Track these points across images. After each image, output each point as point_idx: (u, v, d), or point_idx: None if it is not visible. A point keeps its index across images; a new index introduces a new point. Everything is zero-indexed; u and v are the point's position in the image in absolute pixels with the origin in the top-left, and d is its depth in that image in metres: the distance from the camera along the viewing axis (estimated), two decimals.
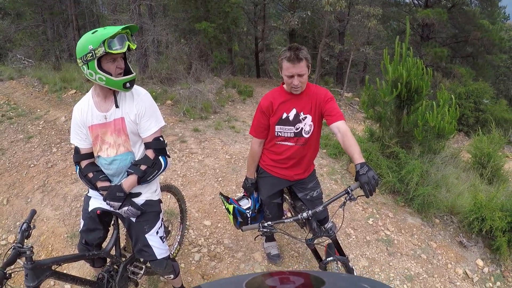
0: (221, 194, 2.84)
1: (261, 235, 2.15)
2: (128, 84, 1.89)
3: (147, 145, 2.07)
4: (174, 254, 3.02)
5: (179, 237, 3.12)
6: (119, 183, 2.05)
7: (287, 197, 3.10)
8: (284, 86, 2.46)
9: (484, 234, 3.87)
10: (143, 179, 2.04)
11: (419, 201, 4.08)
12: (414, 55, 4.37)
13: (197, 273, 3.03)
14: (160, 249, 2.23)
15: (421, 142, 4.35)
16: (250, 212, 2.71)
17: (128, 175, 2.06)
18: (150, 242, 2.19)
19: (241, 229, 2.18)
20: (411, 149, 4.40)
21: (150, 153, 2.07)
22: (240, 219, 2.68)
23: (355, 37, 12.72)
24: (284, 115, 2.42)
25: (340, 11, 10.61)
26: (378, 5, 13.32)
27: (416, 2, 18.00)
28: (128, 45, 1.83)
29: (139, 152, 2.10)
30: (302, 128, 2.45)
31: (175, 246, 3.07)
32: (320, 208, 2.15)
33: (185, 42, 9.88)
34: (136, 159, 2.08)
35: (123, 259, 2.39)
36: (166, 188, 2.78)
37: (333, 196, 2.14)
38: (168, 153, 2.16)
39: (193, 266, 3.09)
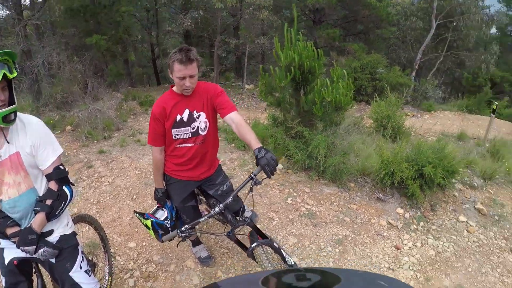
0: (135, 212, 2.76)
1: (183, 240, 2.16)
2: (11, 117, 1.73)
3: (48, 177, 1.93)
4: (108, 287, 2.86)
5: (107, 267, 2.96)
6: (28, 225, 1.89)
7: (201, 197, 3.08)
8: (174, 88, 2.45)
9: (397, 186, 4.26)
10: (51, 215, 1.91)
11: (331, 171, 4.35)
12: (308, 38, 4.64)
13: None
14: (89, 284, 2.11)
15: (321, 117, 4.61)
16: (169, 222, 2.67)
17: (35, 214, 1.90)
18: (77, 280, 2.05)
19: (162, 240, 2.18)
20: (314, 126, 4.65)
21: (53, 185, 1.93)
22: (161, 231, 2.63)
23: (249, 30, 12.97)
24: (178, 117, 2.41)
25: (232, 7, 10.72)
26: None
27: None
28: (4, 74, 1.65)
29: (42, 186, 1.95)
30: (198, 127, 2.46)
31: (107, 278, 2.91)
32: (230, 199, 2.21)
33: (78, 60, 9.23)
34: (40, 195, 1.93)
35: None
36: (80, 219, 2.62)
37: (239, 185, 2.22)
38: (71, 181, 2.04)
39: None
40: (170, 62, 2.23)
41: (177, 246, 2.86)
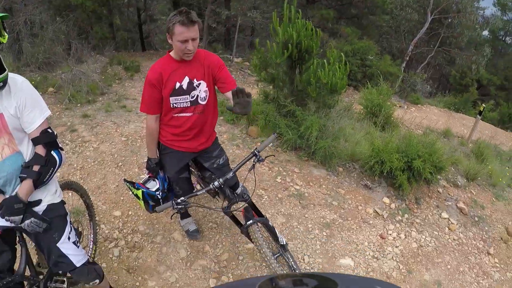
0: (125, 180, 2.65)
1: (177, 212, 2.09)
2: None
3: (35, 141, 1.79)
4: (92, 256, 2.78)
5: (92, 236, 2.86)
6: (14, 193, 1.75)
7: (193, 169, 3.01)
8: (171, 54, 2.31)
9: (386, 175, 4.26)
10: (39, 182, 1.77)
11: (321, 154, 4.33)
12: (301, 17, 4.49)
13: (121, 268, 2.85)
14: (77, 256, 2.00)
15: (315, 98, 4.55)
16: (160, 193, 2.59)
17: (21, 181, 1.76)
18: (64, 251, 1.94)
19: (156, 211, 2.11)
20: (307, 106, 4.59)
21: (41, 150, 1.79)
22: (152, 202, 2.55)
23: (241, 2, 12.68)
24: (177, 85, 2.29)
25: None
26: None
27: None
28: None
29: (28, 151, 1.81)
30: (197, 95, 2.35)
31: (91, 247, 2.82)
32: (231, 174, 2.19)
33: (61, 20, 8.80)
34: (27, 160, 1.79)
35: (41, 277, 2.12)
36: (66, 185, 2.49)
37: (241, 160, 2.18)
38: (60, 145, 1.90)
39: (115, 263, 2.90)
40: (170, 25, 2.10)
41: (171, 218, 2.79)
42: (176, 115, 2.39)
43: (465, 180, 5.01)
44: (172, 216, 2.43)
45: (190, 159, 2.70)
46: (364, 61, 12.25)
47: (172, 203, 2.03)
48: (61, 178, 3.71)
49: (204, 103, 2.38)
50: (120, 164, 4.11)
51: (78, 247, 2.05)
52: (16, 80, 1.73)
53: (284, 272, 2.42)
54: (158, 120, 2.46)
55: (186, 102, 2.34)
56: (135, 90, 7.10)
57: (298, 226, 3.52)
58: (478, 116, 7.77)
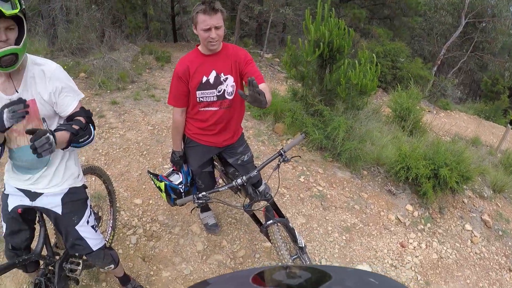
0: (149, 172, 2.66)
1: (197, 206, 2.07)
2: (6, 60, 1.49)
3: (77, 114, 1.78)
4: (110, 241, 2.81)
5: (111, 221, 2.89)
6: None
7: (216, 163, 2.99)
8: (199, 47, 2.29)
9: (411, 182, 4.13)
10: (75, 140, 1.71)
11: (346, 156, 4.24)
12: (334, 16, 4.40)
13: (137, 256, 2.87)
14: (94, 240, 2.02)
15: (344, 99, 4.45)
16: (183, 187, 2.58)
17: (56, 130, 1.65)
18: (82, 234, 1.96)
19: (177, 204, 2.10)
20: (335, 107, 4.50)
21: (82, 119, 1.78)
22: (174, 195, 2.55)
23: None
24: (204, 79, 2.26)
25: None
26: None
27: None
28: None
29: None
30: (224, 90, 2.31)
31: (109, 232, 2.84)
32: (254, 172, 2.15)
33: (96, 8, 8.98)
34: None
35: (57, 257, 2.14)
36: (89, 170, 2.51)
37: (266, 159, 2.16)
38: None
39: (131, 250, 2.91)
40: (194, 14, 2.09)
41: (191, 212, 2.78)
42: (202, 109, 2.36)
43: (491, 192, 4.81)
44: (192, 210, 2.42)
45: (214, 154, 2.68)
46: (395, 63, 11.95)
47: (194, 197, 2.02)
48: (85, 162, 3.78)
49: (231, 98, 2.35)
50: (144, 152, 4.14)
51: (96, 231, 2.06)
52: (50, 66, 1.72)
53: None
54: (185, 114, 2.45)
55: (213, 96, 2.31)
56: (164, 80, 7.16)
57: (318, 228, 3.46)
58: (509, 125, 7.48)
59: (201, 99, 2.31)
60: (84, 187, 2.05)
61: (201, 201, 2.02)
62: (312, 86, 4.81)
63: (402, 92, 6.17)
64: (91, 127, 1.82)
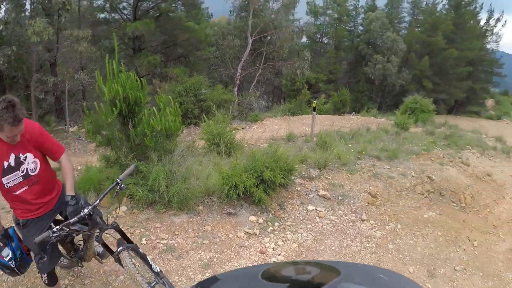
0: None
1: (55, 240, 2.22)
2: None
3: None
4: None
5: None
6: None
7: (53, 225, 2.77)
8: None
9: (243, 196, 4.45)
10: None
11: (176, 200, 4.29)
12: (130, 68, 4.46)
13: None
14: None
15: (155, 148, 4.51)
16: (13, 262, 2.50)
17: None
18: None
19: (35, 242, 2.16)
20: (150, 158, 4.51)
21: None
22: (8, 270, 2.52)
23: (67, 65, 12.01)
24: (5, 164, 2.25)
25: (48, 40, 9.66)
26: (87, 27, 12.91)
27: (125, 17, 18.49)
28: None
29: None
30: (27, 168, 2.34)
31: None
32: (98, 201, 2.32)
33: None
34: None
35: None
36: None
37: (106, 190, 2.39)
38: None
39: None
40: None
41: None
42: (15, 193, 2.34)
43: (318, 171, 5.54)
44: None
45: (53, 217, 2.62)
46: (198, 96, 12.75)
47: (49, 233, 2.13)
48: None
49: (35, 173, 2.37)
50: None
51: None
52: None
53: None
54: None
55: (18, 177, 2.31)
56: None
57: (180, 279, 3.41)
58: (313, 112, 8.82)
59: (8, 185, 2.28)
60: None
61: (56, 235, 2.15)
62: (121, 146, 4.69)
63: (209, 121, 6.59)
64: None
